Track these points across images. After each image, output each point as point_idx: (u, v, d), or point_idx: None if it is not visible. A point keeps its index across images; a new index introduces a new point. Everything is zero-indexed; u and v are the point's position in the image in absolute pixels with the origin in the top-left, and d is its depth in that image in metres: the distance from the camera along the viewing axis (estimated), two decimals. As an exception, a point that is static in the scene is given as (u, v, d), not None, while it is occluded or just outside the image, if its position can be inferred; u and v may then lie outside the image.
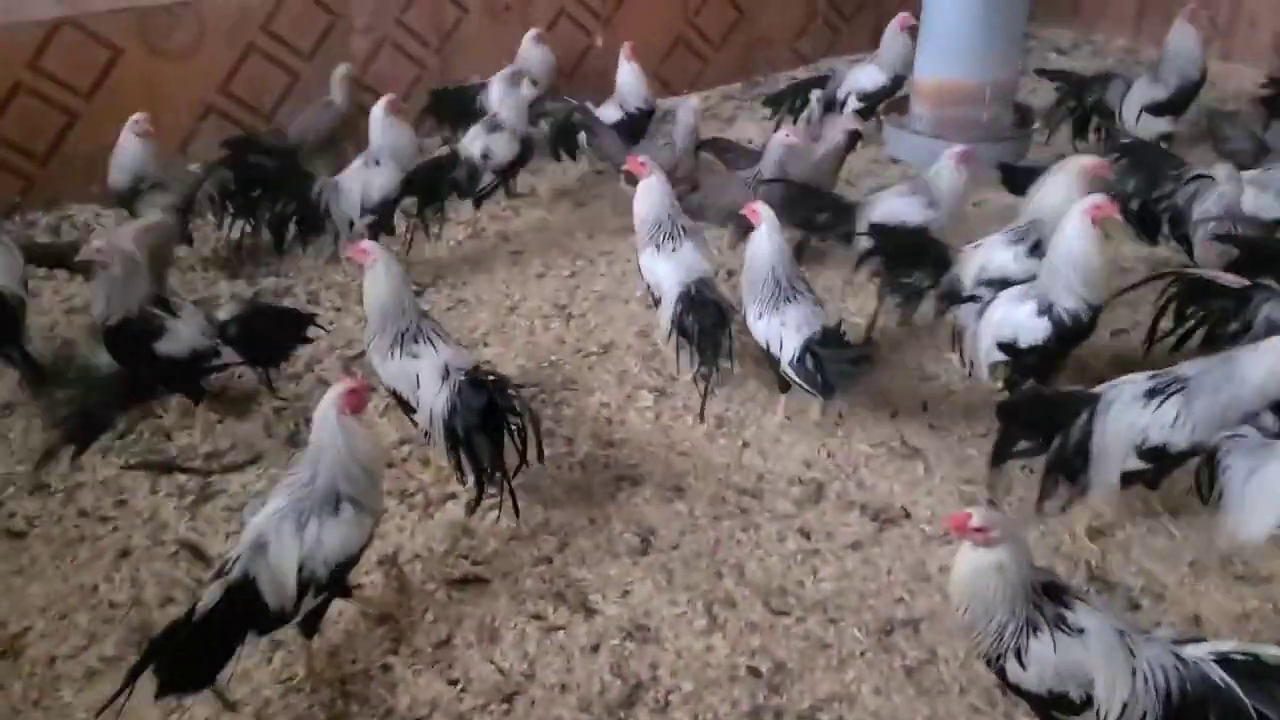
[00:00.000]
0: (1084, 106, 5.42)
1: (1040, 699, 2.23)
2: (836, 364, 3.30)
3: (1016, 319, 3.38)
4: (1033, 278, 3.45)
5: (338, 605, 2.89)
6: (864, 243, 4.05)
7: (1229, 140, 5.12)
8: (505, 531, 3.15)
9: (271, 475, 3.37)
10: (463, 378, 3.09)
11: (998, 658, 2.22)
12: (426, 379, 3.11)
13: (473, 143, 4.68)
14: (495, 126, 4.70)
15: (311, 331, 3.62)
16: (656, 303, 3.81)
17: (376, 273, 3.18)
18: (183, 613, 2.37)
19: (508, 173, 4.84)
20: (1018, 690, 2.27)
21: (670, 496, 3.27)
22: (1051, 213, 3.54)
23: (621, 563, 3.04)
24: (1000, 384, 3.56)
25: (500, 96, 4.76)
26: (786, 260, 3.53)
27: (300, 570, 2.43)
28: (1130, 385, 2.93)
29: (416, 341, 3.17)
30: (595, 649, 2.75)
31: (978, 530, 2.17)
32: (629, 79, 5.42)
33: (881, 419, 3.66)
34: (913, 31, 5.57)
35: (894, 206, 4.16)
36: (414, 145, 4.64)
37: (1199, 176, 4.07)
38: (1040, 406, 3.08)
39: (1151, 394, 2.87)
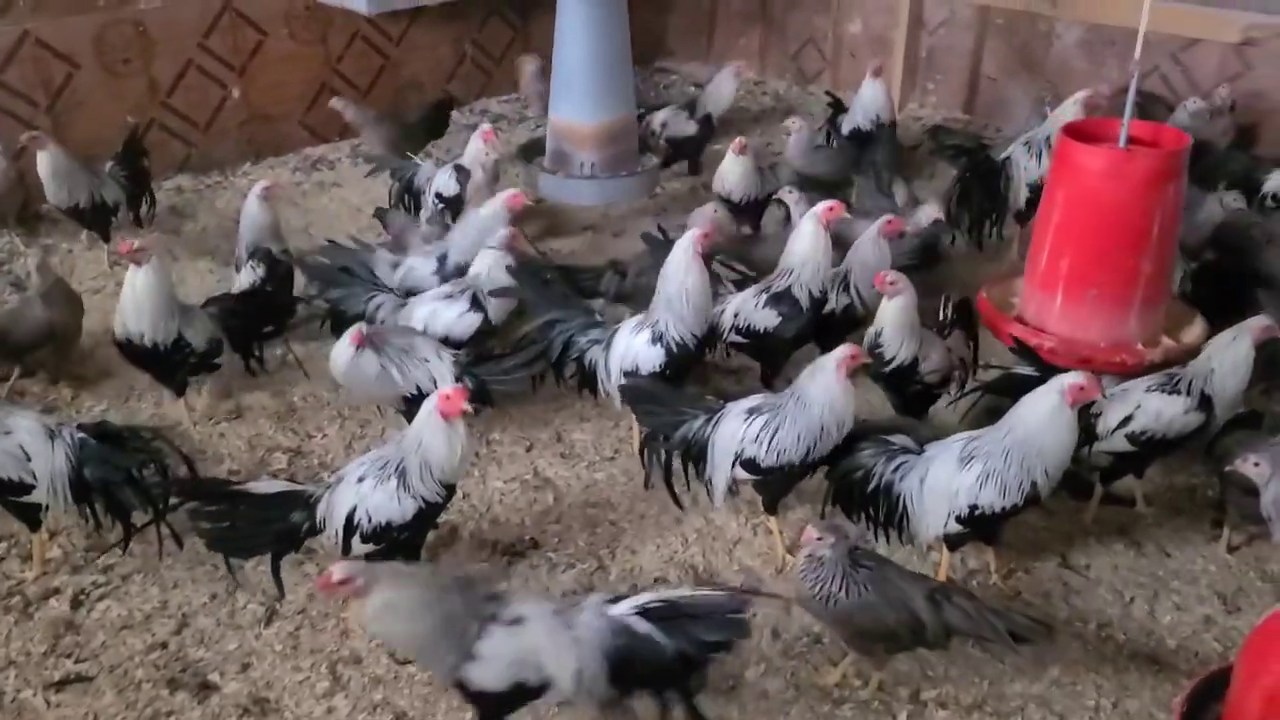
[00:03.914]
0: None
1: (502, 695, 2.35)
2: (497, 377, 3.58)
3: (636, 348, 3.60)
4: None
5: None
6: None
7: None
8: (116, 622, 3.00)
9: None
10: None
11: (458, 683, 2.35)
12: None
13: None
14: None
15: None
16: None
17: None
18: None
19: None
20: (482, 695, 2.37)
21: (300, 559, 3.21)
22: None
23: (244, 635, 2.97)
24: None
25: None
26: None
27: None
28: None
29: None
30: (211, 731, 2.68)
31: (341, 584, 2.28)
32: None
33: (517, 455, 3.78)
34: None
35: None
36: None
37: None
38: (661, 393, 3.37)
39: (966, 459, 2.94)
